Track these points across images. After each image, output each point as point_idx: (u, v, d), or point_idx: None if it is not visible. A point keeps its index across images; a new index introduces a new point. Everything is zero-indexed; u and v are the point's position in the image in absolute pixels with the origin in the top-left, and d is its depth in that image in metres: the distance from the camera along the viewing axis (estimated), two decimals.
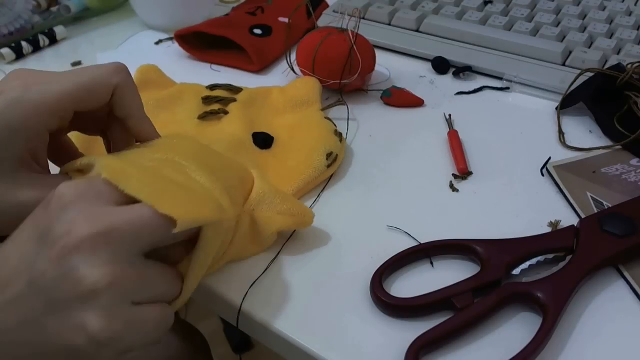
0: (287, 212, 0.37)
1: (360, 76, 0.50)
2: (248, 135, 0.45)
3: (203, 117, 0.47)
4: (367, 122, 0.50)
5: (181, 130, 0.46)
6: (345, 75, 0.49)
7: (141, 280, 0.28)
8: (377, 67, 0.57)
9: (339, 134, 0.46)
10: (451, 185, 0.43)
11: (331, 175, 0.44)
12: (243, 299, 0.35)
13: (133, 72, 0.50)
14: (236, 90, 0.51)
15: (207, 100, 0.49)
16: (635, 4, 0.60)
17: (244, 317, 0.35)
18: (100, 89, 0.34)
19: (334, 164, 0.43)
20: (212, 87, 0.51)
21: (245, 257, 0.37)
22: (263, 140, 0.45)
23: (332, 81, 0.50)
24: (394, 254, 0.36)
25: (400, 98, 0.52)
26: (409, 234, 0.39)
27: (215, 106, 0.48)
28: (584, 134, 0.48)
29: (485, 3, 0.62)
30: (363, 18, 0.63)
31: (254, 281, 0.36)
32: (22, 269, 0.27)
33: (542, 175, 0.44)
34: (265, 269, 0.37)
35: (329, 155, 0.43)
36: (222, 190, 0.32)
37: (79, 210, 0.27)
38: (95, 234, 0.26)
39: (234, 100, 0.49)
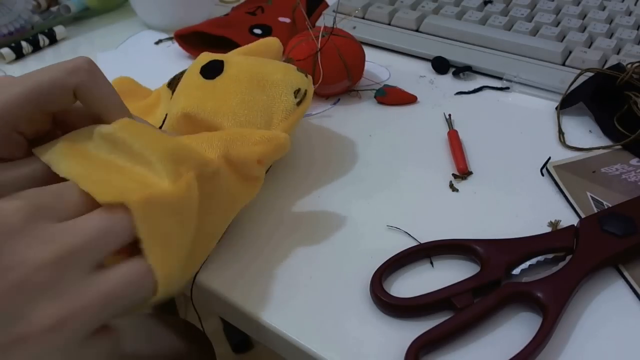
0: (262, 140, 0.36)
1: (325, 84, 0.50)
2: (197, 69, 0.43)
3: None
4: (366, 122, 0.50)
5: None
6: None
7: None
8: (376, 68, 0.57)
9: (303, 71, 0.43)
10: (451, 185, 0.43)
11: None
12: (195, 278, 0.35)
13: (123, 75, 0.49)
14: None
15: (171, 84, 0.47)
16: (635, 4, 0.60)
17: (245, 317, 0.35)
18: (56, 92, 0.31)
19: (304, 100, 0.42)
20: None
21: (246, 201, 0.37)
22: (211, 69, 0.43)
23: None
24: (394, 254, 0.36)
25: (394, 96, 0.52)
26: (409, 234, 0.39)
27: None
28: (584, 134, 0.48)
29: (485, 3, 0.62)
30: (363, 18, 0.63)
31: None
32: None
33: (542, 175, 0.44)
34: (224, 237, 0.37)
35: (297, 92, 0.41)
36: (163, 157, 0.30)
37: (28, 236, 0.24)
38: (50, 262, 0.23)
39: None
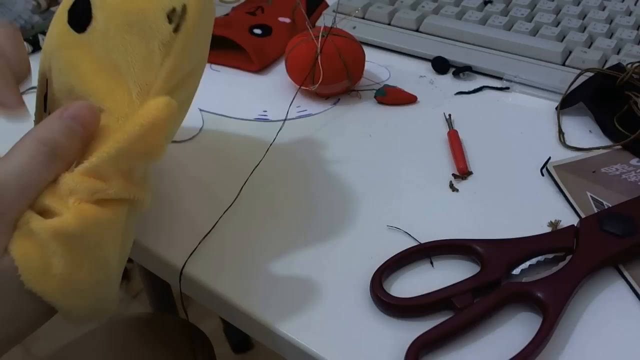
0: (140, 134, 0.28)
1: (325, 84, 0.50)
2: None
3: None
4: (366, 122, 0.50)
5: None
6: (308, 82, 0.49)
7: None
8: (376, 68, 0.57)
9: None
10: (451, 185, 0.43)
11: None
12: (185, 263, 0.36)
13: None
14: None
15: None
16: (635, 4, 0.60)
17: (244, 317, 0.35)
18: None
19: (183, 21, 0.30)
20: None
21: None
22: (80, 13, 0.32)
23: (303, 87, 0.51)
24: (394, 254, 0.36)
25: (394, 96, 0.52)
26: (409, 234, 0.39)
27: None
28: (584, 134, 0.48)
29: (485, 3, 0.62)
30: (363, 18, 0.63)
31: (199, 242, 0.37)
32: None
33: (542, 175, 0.44)
34: (211, 229, 0.37)
35: (171, 13, 0.29)
36: None
37: None
38: None
39: None
